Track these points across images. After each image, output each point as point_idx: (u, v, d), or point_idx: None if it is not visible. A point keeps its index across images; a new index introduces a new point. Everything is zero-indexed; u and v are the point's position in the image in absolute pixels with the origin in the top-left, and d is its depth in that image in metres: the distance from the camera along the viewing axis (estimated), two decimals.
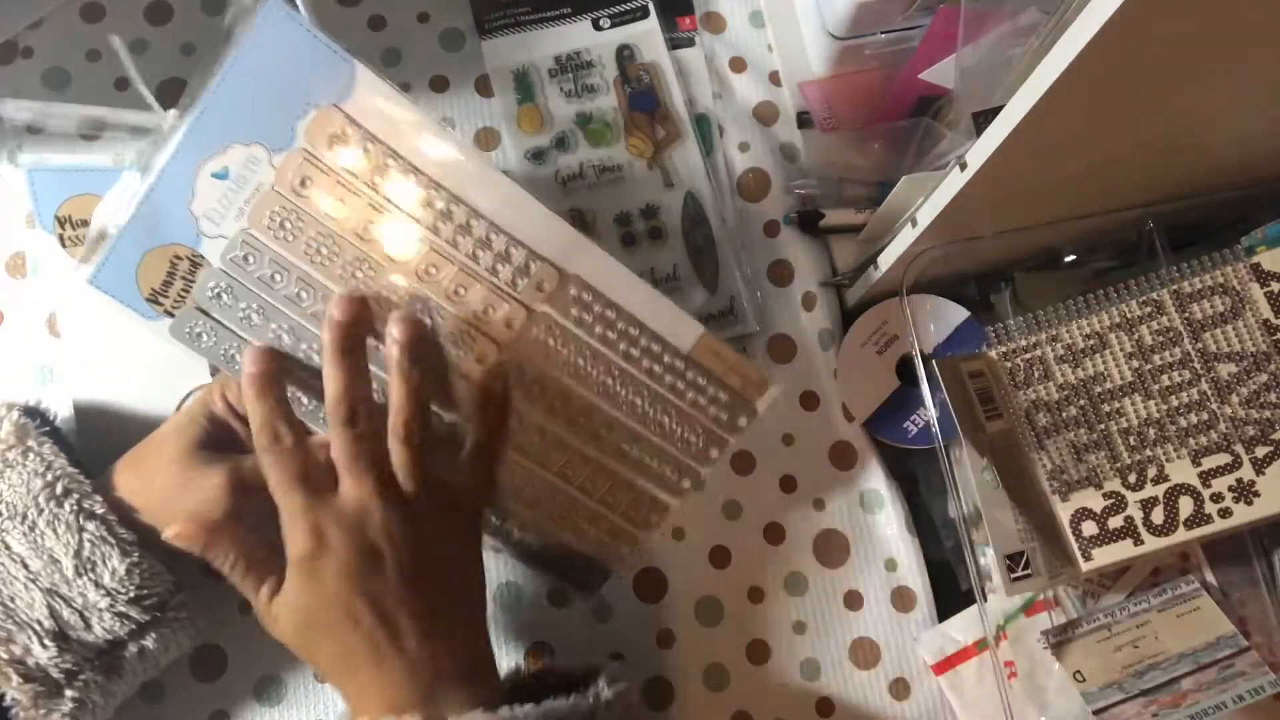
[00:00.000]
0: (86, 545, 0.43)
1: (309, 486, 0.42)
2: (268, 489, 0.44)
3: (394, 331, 0.43)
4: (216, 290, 0.45)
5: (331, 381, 0.42)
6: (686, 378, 0.48)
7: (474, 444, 0.45)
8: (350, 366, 0.42)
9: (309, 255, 0.44)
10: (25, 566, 0.43)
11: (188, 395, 0.53)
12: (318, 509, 0.41)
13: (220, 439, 0.47)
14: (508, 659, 0.55)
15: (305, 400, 0.46)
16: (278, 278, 0.45)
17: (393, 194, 0.44)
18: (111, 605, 0.44)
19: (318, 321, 0.45)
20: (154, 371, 0.54)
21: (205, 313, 0.45)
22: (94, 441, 0.52)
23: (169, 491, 0.45)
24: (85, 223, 0.53)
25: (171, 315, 0.45)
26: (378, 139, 0.43)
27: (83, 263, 0.44)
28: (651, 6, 0.63)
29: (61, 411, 0.53)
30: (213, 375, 0.53)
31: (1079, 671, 0.52)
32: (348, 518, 0.41)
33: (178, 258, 0.44)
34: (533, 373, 0.47)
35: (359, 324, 0.43)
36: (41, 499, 0.43)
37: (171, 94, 0.55)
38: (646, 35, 0.63)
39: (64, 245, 0.53)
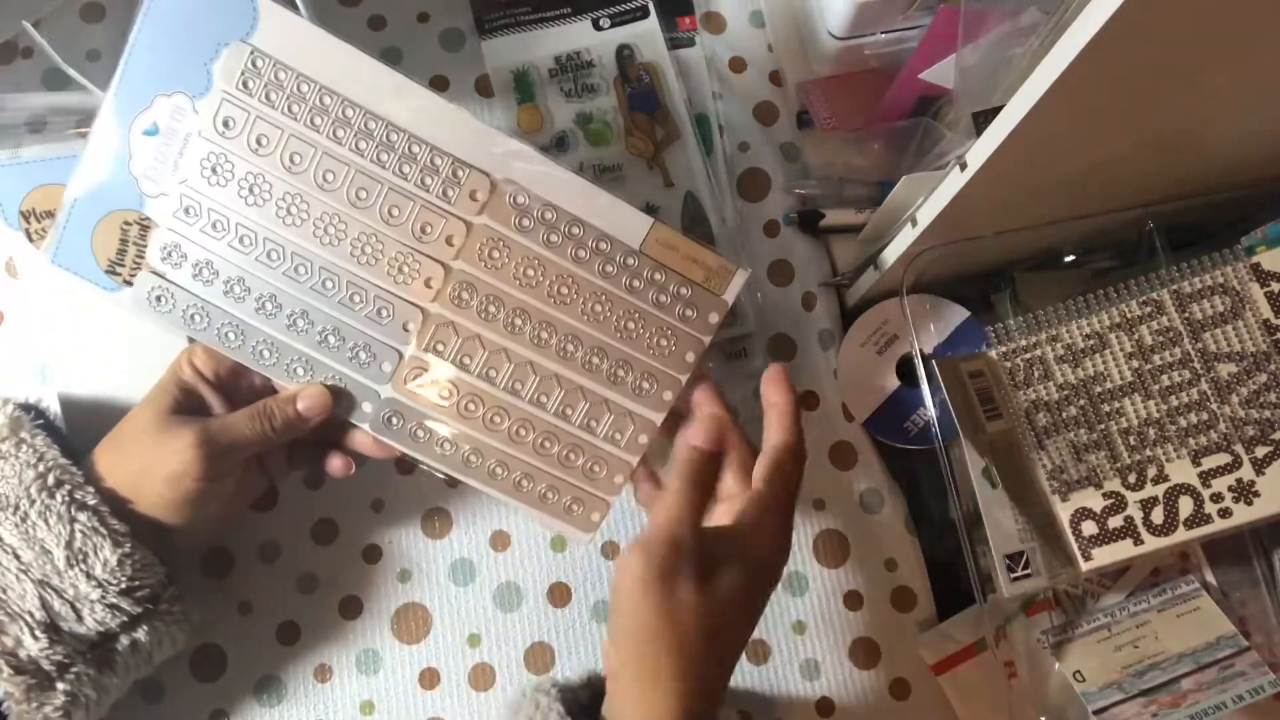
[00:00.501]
0: (78, 536, 0.43)
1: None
2: (237, 449, 0.45)
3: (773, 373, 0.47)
4: (167, 250, 0.45)
5: (792, 432, 0.45)
6: (643, 275, 0.46)
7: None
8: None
9: (242, 197, 0.44)
10: (17, 557, 0.43)
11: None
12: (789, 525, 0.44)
13: (192, 405, 0.47)
14: (508, 659, 0.55)
15: (268, 355, 0.46)
16: (219, 226, 0.45)
17: (312, 120, 0.44)
18: (103, 596, 0.44)
19: (264, 267, 0.45)
20: (138, 365, 0.54)
21: (160, 275, 0.45)
22: (80, 434, 0.52)
23: (144, 459, 0.45)
24: (50, 214, 0.53)
25: (130, 284, 0.45)
26: (288, 66, 0.43)
27: (44, 248, 0.45)
28: (651, 6, 0.63)
29: (56, 408, 0.53)
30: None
31: (1079, 671, 0.52)
32: (779, 546, 0.44)
33: (127, 223, 0.45)
34: (485, 291, 0.46)
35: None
36: (33, 490, 0.43)
37: None
38: (646, 35, 0.63)
39: (31, 239, 0.53)
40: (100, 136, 0.44)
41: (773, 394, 0.46)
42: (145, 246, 0.45)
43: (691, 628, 0.40)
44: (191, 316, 0.45)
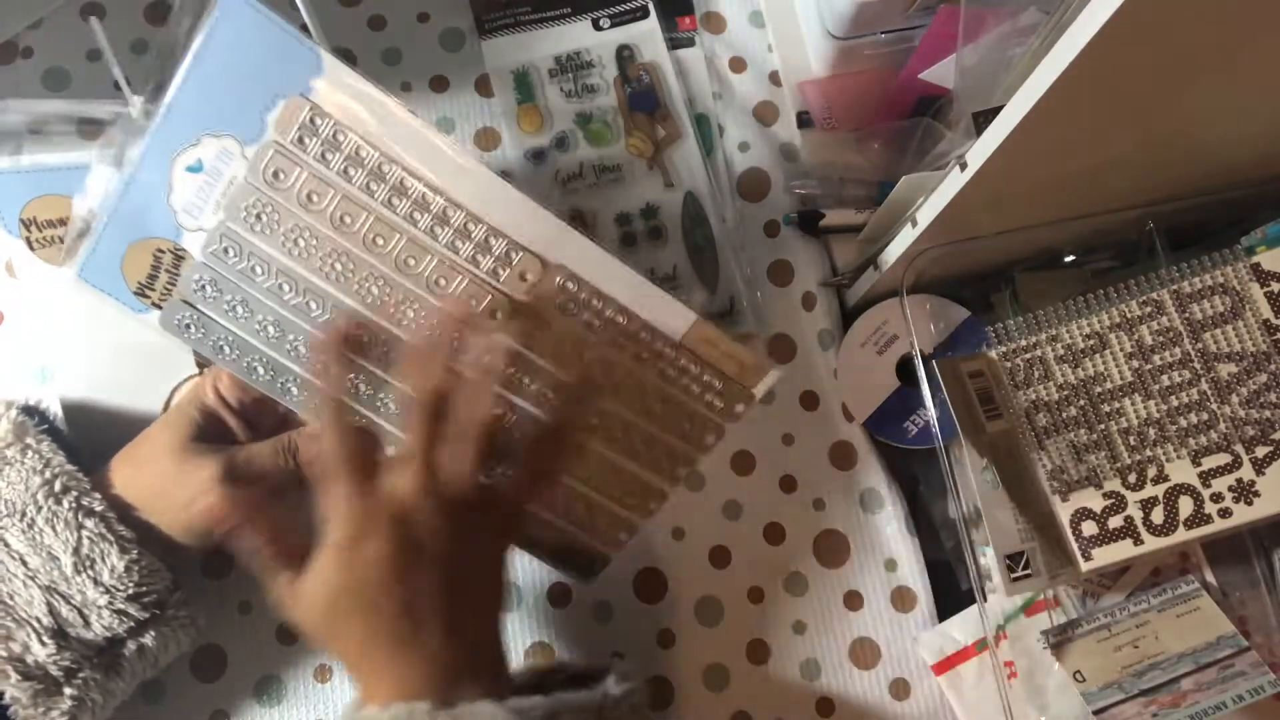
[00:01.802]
0: (85, 542, 0.43)
1: (359, 473, 0.41)
2: (260, 479, 0.44)
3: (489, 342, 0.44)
4: (201, 283, 0.45)
5: (425, 372, 0.42)
6: (678, 365, 0.47)
7: (532, 461, 0.46)
8: (445, 362, 0.43)
9: (287, 248, 0.44)
10: (24, 564, 0.43)
11: (175, 389, 0.53)
12: (365, 496, 0.41)
13: (212, 431, 0.47)
14: (507, 658, 0.55)
15: (295, 391, 0.46)
16: (258, 270, 0.44)
17: (366, 184, 0.44)
18: (110, 602, 0.44)
19: (301, 314, 0.45)
20: (140, 367, 0.54)
21: (191, 305, 0.45)
22: (82, 438, 0.52)
23: (162, 485, 0.45)
24: (51, 223, 0.53)
25: (159, 307, 0.45)
26: (348, 128, 0.43)
27: (69, 257, 0.44)
28: (651, 6, 0.63)
29: (59, 411, 0.53)
30: (198, 368, 0.53)
31: (1079, 671, 0.52)
32: (396, 510, 0.41)
33: (160, 250, 0.44)
34: (522, 364, 0.46)
35: (463, 323, 0.44)
36: (40, 496, 0.43)
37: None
38: (646, 35, 0.63)
39: (31, 248, 0.53)
40: (141, 163, 0.43)
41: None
42: (178, 275, 0.45)
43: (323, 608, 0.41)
44: (221, 347, 0.45)
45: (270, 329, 0.45)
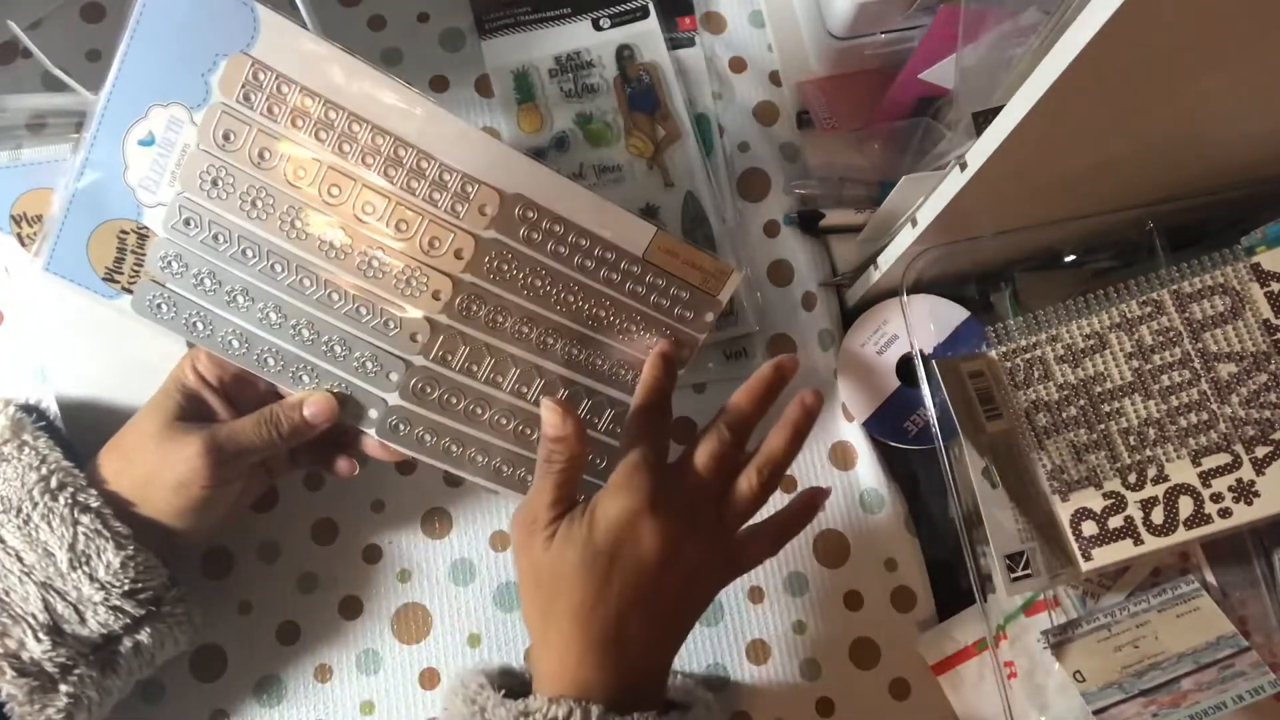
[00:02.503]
0: (81, 539, 0.43)
1: (660, 455, 0.45)
2: (244, 455, 0.45)
3: (808, 399, 0.47)
4: (166, 259, 0.44)
5: (744, 398, 0.47)
6: (645, 280, 0.48)
7: (780, 532, 0.47)
8: (765, 394, 0.47)
9: (245, 211, 0.44)
10: (20, 560, 0.43)
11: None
12: (665, 481, 0.43)
13: (195, 412, 0.47)
14: (508, 659, 0.55)
15: (272, 362, 0.46)
16: (220, 238, 0.44)
17: (316, 134, 0.43)
18: (106, 599, 0.44)
19: (268, 278, 0.45)
20: (136, 364, 0.53)
21: (160, 284, 0.45)
22: (78, 436, 0.52)
23: (149, 466, 0.45)
24: (41, 218, 0.52)
25: (129, 291, 0.45)
26: (291, 79, 0.42)
27: (35, 254, 0.44)
28: (651, 6, 0.63)
29: (53, 407, 0.53)
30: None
31: (1079, 671, 0.52)
32: (683, 502, 0.43)
33: (124, 232, 0.44)
34: (492, 302, 0.46)
35: (785, 375, 0.48)
36: (36, 492, 0.43)
37: None
38: (646, 35, 0.63)
39: (23, 244, 0.52)
40: (93, 145, 0.43)
41: (783, 429, 0.47)
42: (144, 255, 0.44)
43: (535, 581, 0.42)
44: (194, 324, 0.45)
45: (240, 299, 0.45)
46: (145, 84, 0.42)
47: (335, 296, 0.45)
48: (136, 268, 0.45)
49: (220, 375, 0.47)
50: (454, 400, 0.47)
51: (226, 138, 0.43)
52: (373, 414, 0.47)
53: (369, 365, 0.46)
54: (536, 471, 0.44)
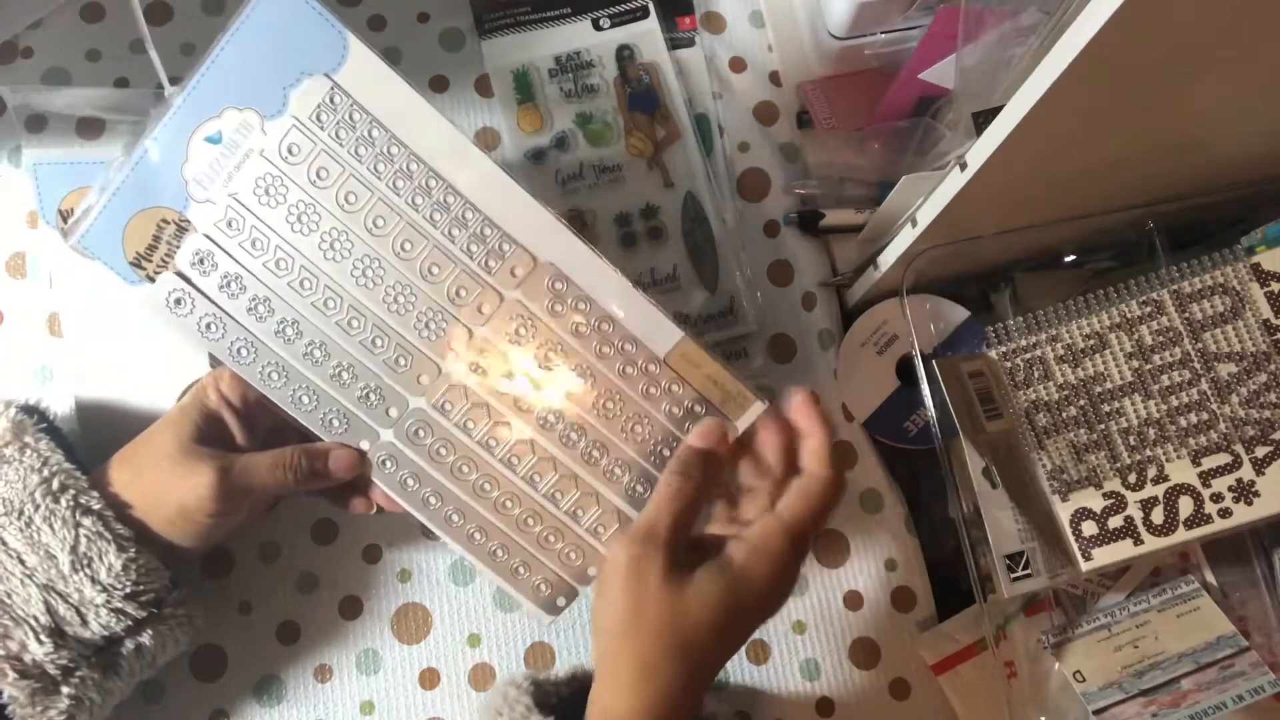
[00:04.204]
0: (83, 541, 0.43)
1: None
2: (254, 493, 0.45)
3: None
4: (199, 256, 0.45)
5: (826, 465, 0.44)
6: (660, 384, 0.47)
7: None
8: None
9: (289, 223, 0.44)
10: (22, 562, 0.43)
11: (187, 389, 0.53)
12: (793, 548, 0.43)
13: (213, 432, 0.47)
14: (508, 659, 0.55)
15: (276, 378, 0.46)
16: (258, 244, 0.45)
17: (375, 166, 0.44)
18: (108, 601, 0.44)
19: (295, 293, 0.45)
20: (155, 369, 0.54)
21: (185, 279, 0.45)
22: (97, 440, 0.52)
23: (158, 485, 0.45)
24: None
25: (152, 280, 0.45)
26: (365, 109, 0.44)
27: (75, 227, 0.44)
28: (651, 6, 0.63)
29: (61, 410, 0.53)
30: (212, 370, 0.53)
31: (1079, 671, 0.52)
32: (776, 575, 0.43)
33: (165, 221, 0.44)
34: (504, 364, 0.46)
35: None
36: (38, 495, 0.43)
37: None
38: (646, 35, 0.63)
39: (65, 239, 0.53)
40: (161, 133, 0.44)
41: (805, 423, 0.45)
42: (177, 248, 0.45)
43: (655, 621, 0.40)
44: (207, 326, 0.45)
45: (260, 308, 0.45)
46: (228, 86, 0.43)
47: (355, 323, 0.45)
48: (166, 258, 0.45)
49: (243, 397, 0.47)
50: (443, 452, 0.47)
51: (291, 151, 0.44)
52: (364, 445, 0.47)
53: (371, 397, 0.46)
54: (660, 491, 0.44)
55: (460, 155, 0.44)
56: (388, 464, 0.47)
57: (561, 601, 0.48)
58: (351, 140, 0.44)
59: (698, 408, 0.47)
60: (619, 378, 0.47)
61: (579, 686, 0.46)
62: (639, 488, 0.47)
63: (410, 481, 0.47)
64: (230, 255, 0.45)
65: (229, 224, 0.44)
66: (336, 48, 0.43)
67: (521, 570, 0.48)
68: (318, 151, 0.44)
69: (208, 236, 0.45)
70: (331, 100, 0.43)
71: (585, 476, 0.47)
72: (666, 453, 0.47)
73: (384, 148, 0.44)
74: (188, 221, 0.45)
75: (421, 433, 0.47)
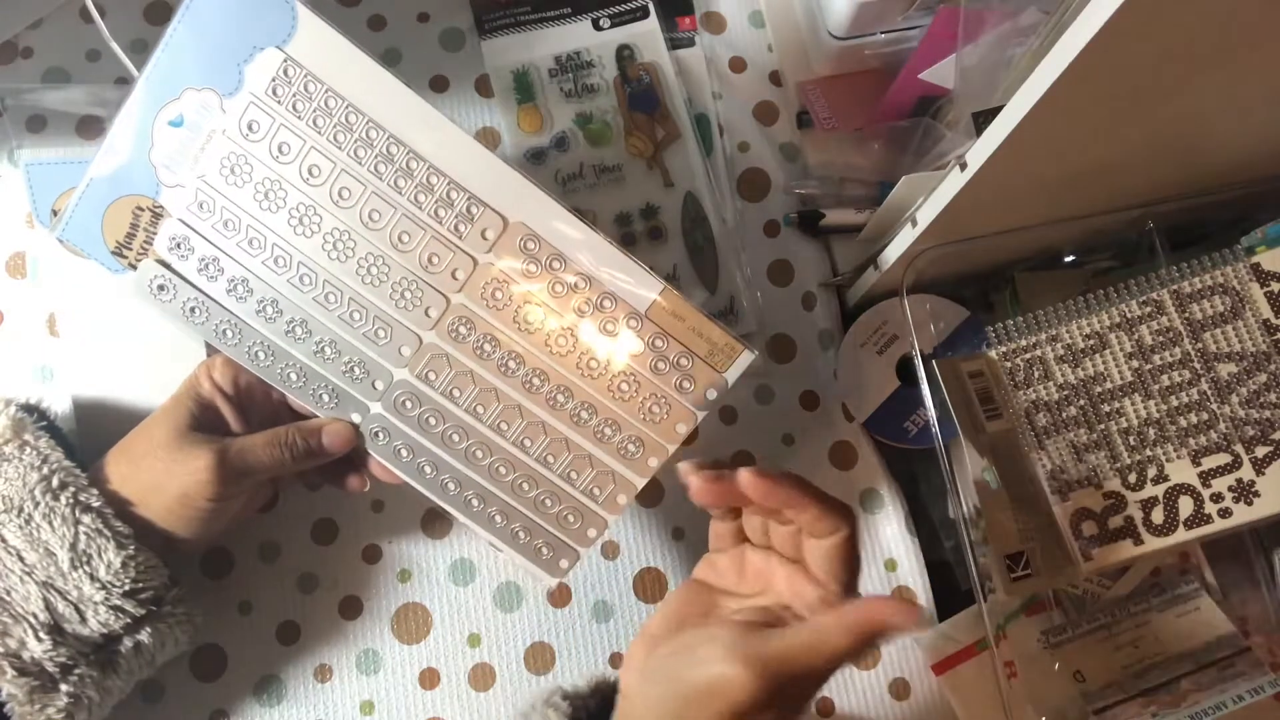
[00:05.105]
0: (82, 538, 0.43)
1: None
2: (252, 474, 0.45)
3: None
4: (175, 241, 0.45)
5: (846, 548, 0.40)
6: (645, 339, 0.45)
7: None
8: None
9: (257, 201, 0.44)
10: (21, 559, 0.43)
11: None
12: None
13: (207, 419, 0.47)
14: (508, 659, 0.55)
15: (263, 356, 0.46)
16: (230, 225, 0.45)
17: (335, 136, 0.44)
18: (107, 598, 0.44)
19: (271, 271, 0.45)
20: (153, 368, 0.54)
21: (166, 265, 0.45)
22: (95, 439, 0.52)
23: (156, 474, 0.45)
24: None
25: (134, 268, 0.45)
26: (320, 80, 0.43)
27: (58, 222, 0.45)
28: (651, 6, 0.63)
29: (60, 409, 0.53)
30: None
31: (1079, 671, 0.52)
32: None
33: (140, 209, 0.45)
34: (482, 329, 0.46)
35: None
36: (37, 492, 0.43)
37: None
38: (646, 35, 0.63)
39: (51, 234, 0.53)
40: (126, 120, 0.44)
41: (778, 498, 0.39)
42: (155, 234, 0.45)
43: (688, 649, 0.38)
44: (191, 309, 0.45)
45: (239, 288, 0.45)
46: (184, 67, 0.44)
47: (332, 298, 0.45)
48: (145, 245, 0.45)
49: (235, 383, 0.47)
50: (432, 421, 0.47)
51: (251, 128, 0.44)
52: (355, 418, 0.47)
53: (356, 371, 0.46)
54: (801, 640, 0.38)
55: (420, 119, 0.44)
56: (380, 436, 0.47)
57: (564, 564, 0.48)
58: (309, 111, 0.44)
59: (684, 360, 0.46)
60: (602, 334, 0.46)
61: (603, 698, 0.46)
62: (630, 446, 0.47)
63: (404, 452, 0.47)
64: (205, 238, 0.45)
65: (200, 206, 0.45)
66: (286, 18, 0.43)
67: (522, 535, 0.48)
68: (276, 126, 0.44)
69: (182, 221, 0.45)
70: (285, 73, 0.43)
71: (576, 438, 0.47)
72: (655, 409, 0.46)
73: (342, 117, 0.44)
74: (161, 207, 0.45)
75: (409, 404, 0.47)
